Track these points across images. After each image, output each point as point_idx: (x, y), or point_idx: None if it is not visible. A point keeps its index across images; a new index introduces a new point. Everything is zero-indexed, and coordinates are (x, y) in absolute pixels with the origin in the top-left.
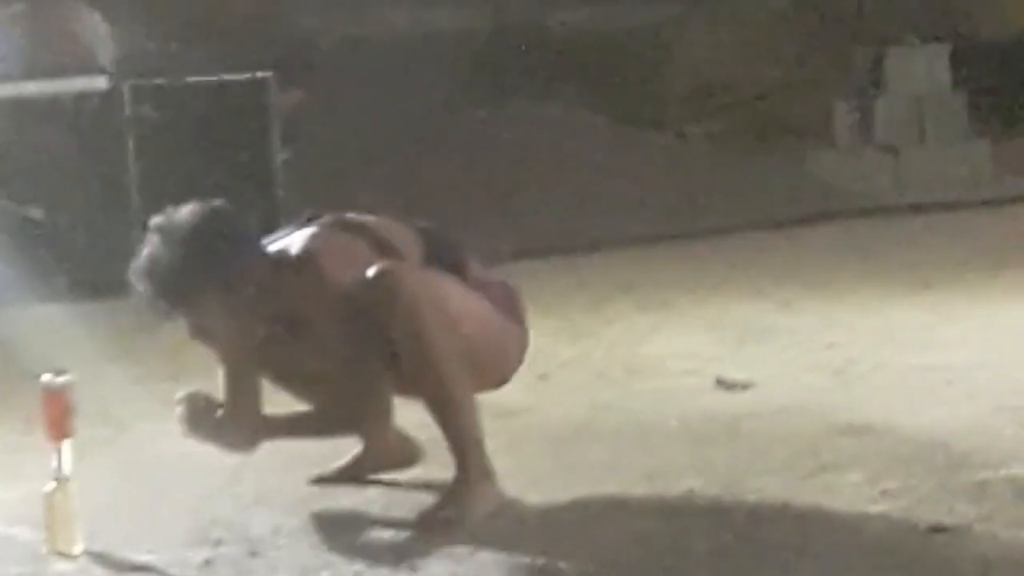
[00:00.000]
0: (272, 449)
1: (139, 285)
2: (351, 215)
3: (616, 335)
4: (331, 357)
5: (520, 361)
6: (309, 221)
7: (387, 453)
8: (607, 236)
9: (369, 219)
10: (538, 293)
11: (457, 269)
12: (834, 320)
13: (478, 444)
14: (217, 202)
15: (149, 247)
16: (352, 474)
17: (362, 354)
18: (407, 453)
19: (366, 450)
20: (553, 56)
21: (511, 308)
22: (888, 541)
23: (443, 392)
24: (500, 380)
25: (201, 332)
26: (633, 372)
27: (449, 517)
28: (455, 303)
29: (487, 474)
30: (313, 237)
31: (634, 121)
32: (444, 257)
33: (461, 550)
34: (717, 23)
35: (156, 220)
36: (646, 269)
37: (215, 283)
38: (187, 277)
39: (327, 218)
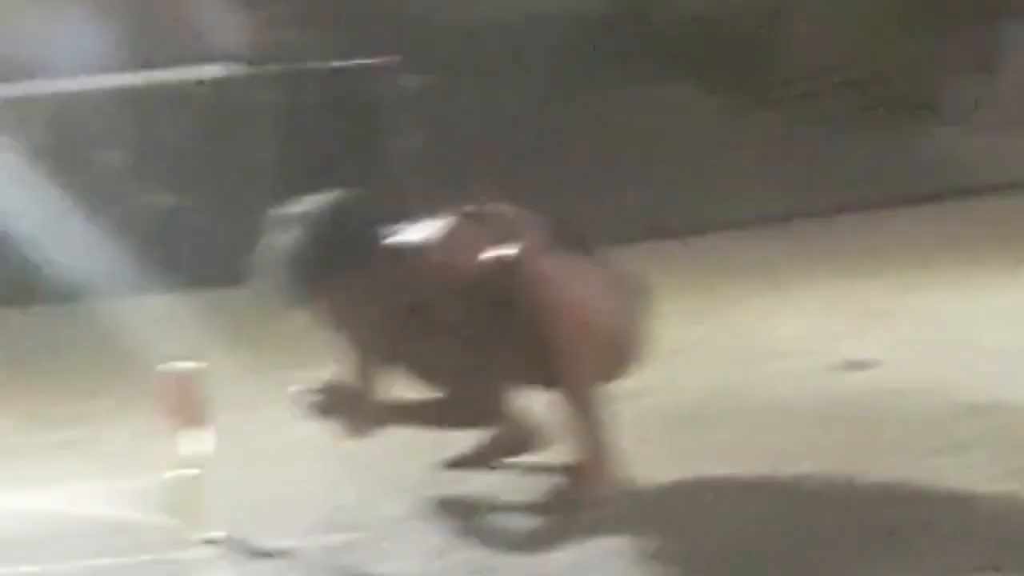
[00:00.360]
0: (400, 433)
1: (268, 273)
2: (481, 205)
3: (736, 316)
4: (458, 347)
5: (641, 354)
6: (443, 211)
7: (516, 439)
8: (724, 217)
9: (498, 208)
10: (656, 275)
11: (585, 258)
12: (956, 299)
13: (602, 427)
14: (349, 191)
15: (279, 235)
16: (481, 459)
17: (488, 343)
18: (535, 439)
19: (495, 435)
20: (668, 38)
21: (635, 300)
22: (1013, 521)
23: (567, 377)
24: (621, 371)
25: (329, 321)
26: (754, 353)
27: (574, 500)
28: (581, 290)
29: (610, 456)
30: (443, 226)
31: (748, 101)
32: (570, 247)
33: (586, 533)
34: (831, 1)
35: (287, 209)
36: (764, 250)
37: (345, 272)
38: (317, 266)
39: (458, 208)
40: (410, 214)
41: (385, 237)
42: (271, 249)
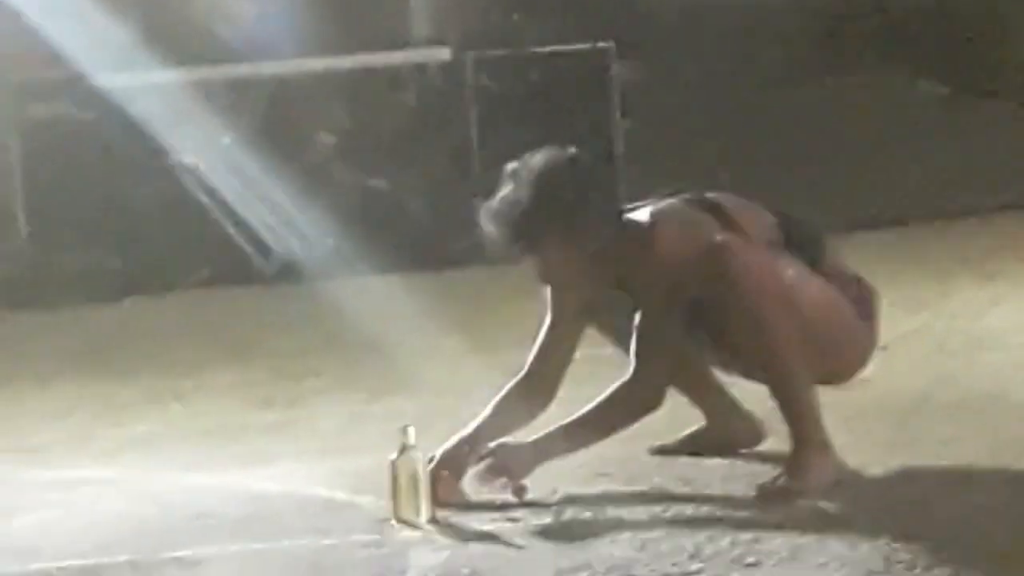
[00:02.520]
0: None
1: (488, 225)
2: (707, 194)
3: (957, 307)
4: (654, 329)
5: (866, 360)
6: (666, 196)
7: (730, 431)
8: (946, 206)
9: (723, 198)
10: (876, 264)
11: (813, 259)
12: None
13: (816, 417)
14: (573, 150)
15: (502, 189)
16: (694, 448)
17: (684, 333)
18: (750, 432)
19: (709, 426)
20: (893, 25)
21: (863, 305)
22: None
23: (778, 367)
24: (844, 374)
25: (541, 274)
26: (975, 344)
27: (788, 489)
28: (798, 287)
29: (825, 446)
30: (663, 210)
31: (974, 90)
32: (801, 245)
33: (803, 522)
34: None
35: (511, 164)
36: (987, 240)
37: (561, 228)
38: (534, 218)
39: (683, 194)
40: (619, 196)
41: (605, 203)
42: (493, 201)
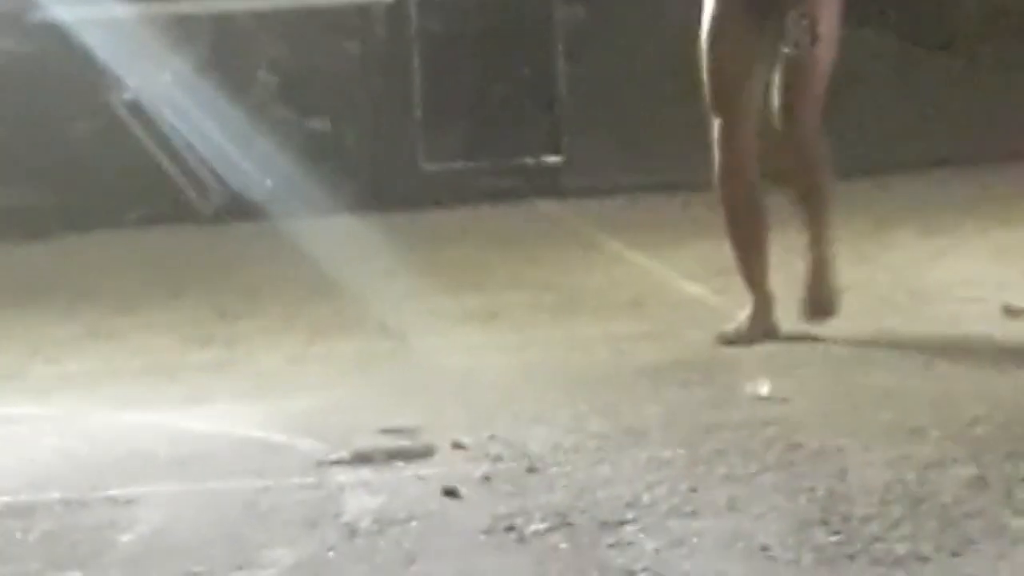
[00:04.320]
0: (552, 366)
1: None
2: None
3: (900, 260)
4: None
5: None
6: None
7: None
8: (891, 159)
9: None
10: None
11: None
12: None
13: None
14: None
15: None
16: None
17: None
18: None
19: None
20: None
21: None
22: None
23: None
24: None
25: None
26: (917, 298)
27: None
28: None
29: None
30: None
31: (923, 42)
32: None
33: (741, 473)
34: None
35: None
36: (931, 193)
37: None
38: None
39: None
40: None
41: None
42: None
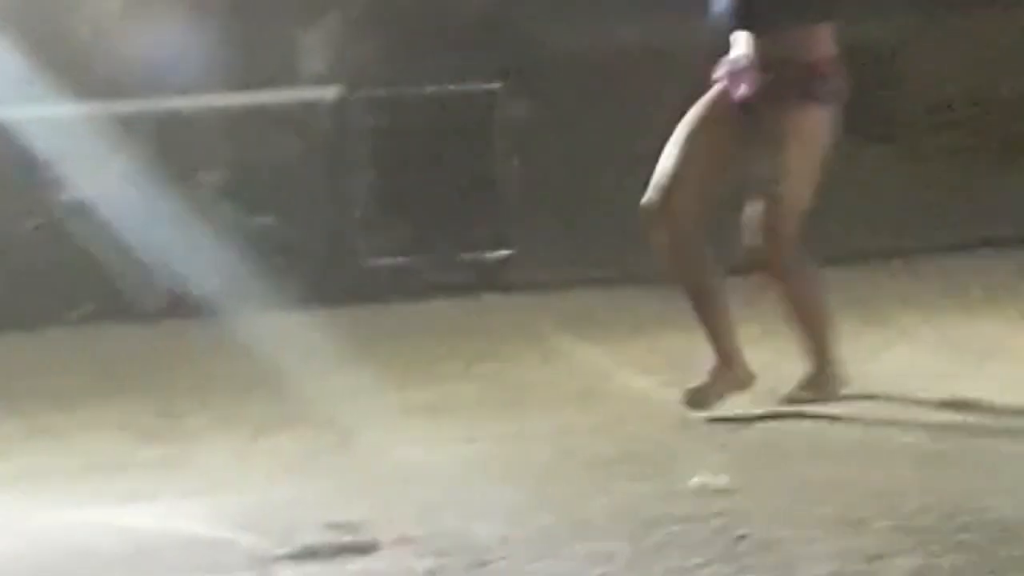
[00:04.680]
0: (498, 460)
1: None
2: None
3: (845, 351)
4: None
5: None
6: None
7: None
8: (837, 250)
9: None
10: (765, 307)
11: None
12: None
13: None
14: None
15: None
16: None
17: None
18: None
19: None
20: None
21: None
22: None
23: None
24: None
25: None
26: (861, 388)
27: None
28: None
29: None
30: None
31: (867, 135)
32: None
33: (685, 566)
34: (954, 36)
35: None
36: (877, 284)
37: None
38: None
39: None
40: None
41: None
42: None
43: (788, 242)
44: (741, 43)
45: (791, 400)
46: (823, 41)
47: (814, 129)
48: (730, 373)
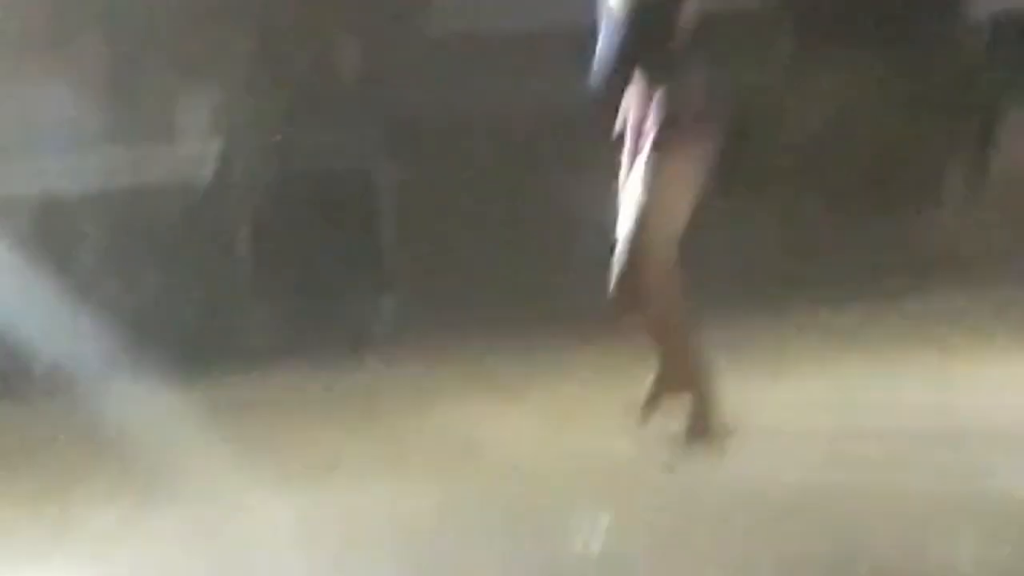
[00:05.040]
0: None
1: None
2: None
3: (728, 398)
4: None
5: None
6: None
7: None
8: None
9: None
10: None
11: None
12: (950, 383)
13: None
14: None
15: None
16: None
17: None
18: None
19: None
20: None
21: None
22: None
23: None
24: None
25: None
26: (743, 439)
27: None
28: None
29: None
30: None
31: (740, 187)
32: None
33: None
34: (824, 87)
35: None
36: (757, 332)
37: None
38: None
39: None
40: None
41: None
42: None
43: (653, 269)
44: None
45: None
46: (688, 94)
47: (673, 170)
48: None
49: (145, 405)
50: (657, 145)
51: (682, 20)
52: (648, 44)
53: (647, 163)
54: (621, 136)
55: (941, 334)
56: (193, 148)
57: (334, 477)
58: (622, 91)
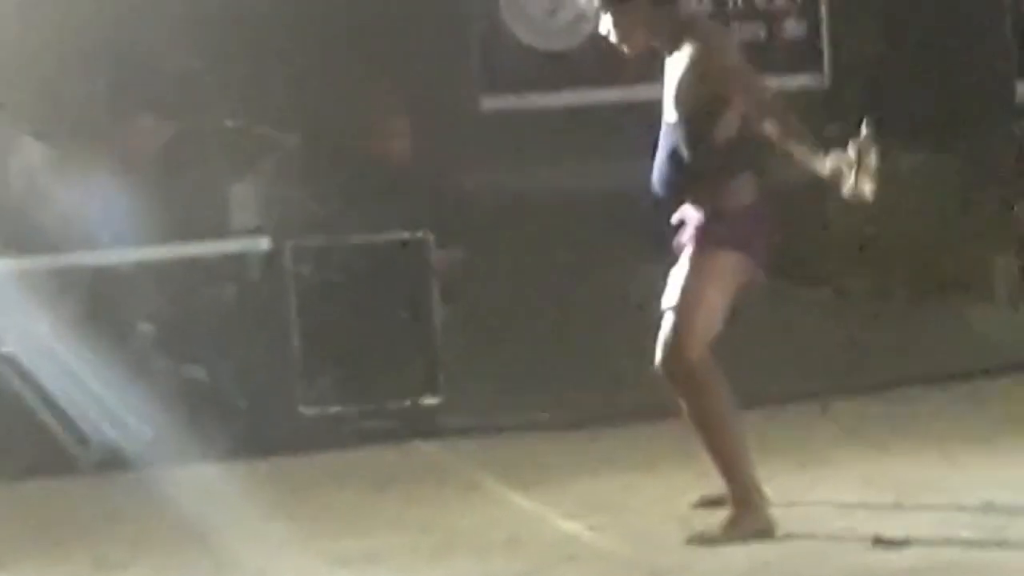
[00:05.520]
0: None
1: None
2: None
3: (772, 491)
4: None
5: None
6: None
7: None
8: (765, 392)
9: None
10: (691, 453)
11: None
12: (994, 478)
13: None
14: None
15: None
16: None
17: None
18: None
19: None
20: None
21: None
22: None
23: None
24: None
25: None
26: (791, 529)
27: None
28: None
29: None
30: None
31: (791, 276)
32: None
33: None
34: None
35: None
36: (803, 425)
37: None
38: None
39: None
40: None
41: None
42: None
43: (685, 362)
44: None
45: (702, 539)
46: (734, 192)
47: (711, 268)
48: (755, 515)
49: (198, 483)
50: (699, 236)
51: (726, 128)
52: (696, 156)
53: (687, 253)
54: (682, 223)
55: None
56: (246, 225)
57: (383, 560)
58: (681, 192)
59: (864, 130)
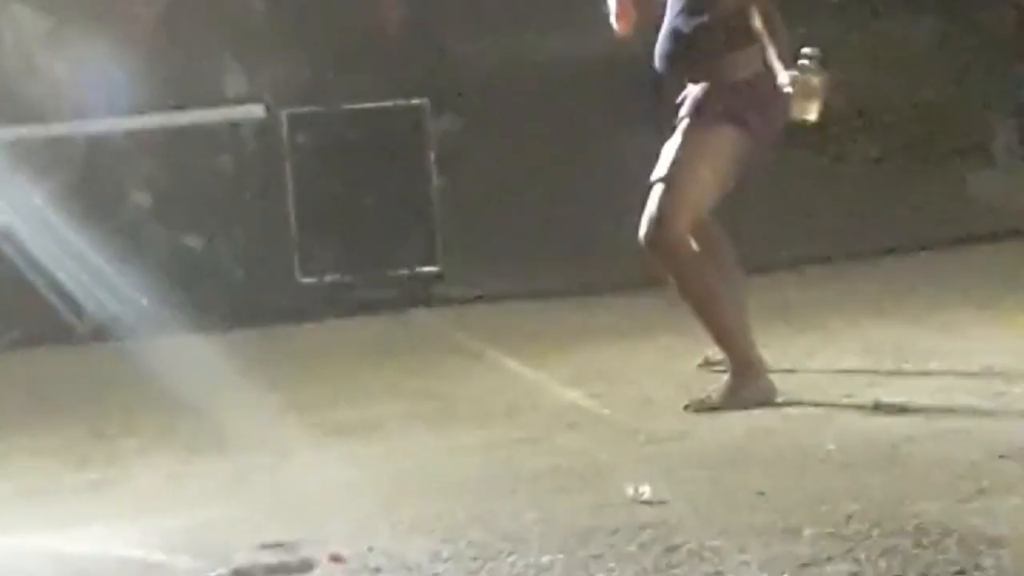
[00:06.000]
0: (429, 476)
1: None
2: None
3: (772, 358)
4: None
5: None
6: None
7: None
8: (763, 258)
9: None
10: (690, 317)
11: None
12: (994, 343)
13: None
14: None
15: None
16: None
17: None
18: None
19: None
20: None
21: None
22: None
23: None
24: None
25: None
26: (790, 395)
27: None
28: None
29: None
30: None
31: (792, 143)
32: None
33: None
34: (874, 44)
35: None
36: (803, 291)
37: None
38: None
39: None
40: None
41: None
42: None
43: (669, 236)
44: None
45: (700, 406)
46: (732, 67)
47: (704, 142)
48: (754, 383)
49: (195, 352)
50: (694, 110)
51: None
52: (694, 30)
53: (681, 126)
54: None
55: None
56: (241, 94)
57: (382, 428)
58: (680, 66)
59: (808, 54)
